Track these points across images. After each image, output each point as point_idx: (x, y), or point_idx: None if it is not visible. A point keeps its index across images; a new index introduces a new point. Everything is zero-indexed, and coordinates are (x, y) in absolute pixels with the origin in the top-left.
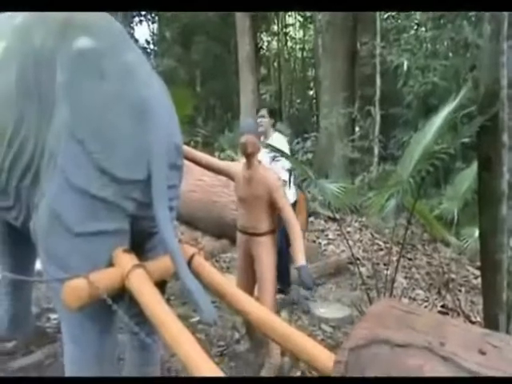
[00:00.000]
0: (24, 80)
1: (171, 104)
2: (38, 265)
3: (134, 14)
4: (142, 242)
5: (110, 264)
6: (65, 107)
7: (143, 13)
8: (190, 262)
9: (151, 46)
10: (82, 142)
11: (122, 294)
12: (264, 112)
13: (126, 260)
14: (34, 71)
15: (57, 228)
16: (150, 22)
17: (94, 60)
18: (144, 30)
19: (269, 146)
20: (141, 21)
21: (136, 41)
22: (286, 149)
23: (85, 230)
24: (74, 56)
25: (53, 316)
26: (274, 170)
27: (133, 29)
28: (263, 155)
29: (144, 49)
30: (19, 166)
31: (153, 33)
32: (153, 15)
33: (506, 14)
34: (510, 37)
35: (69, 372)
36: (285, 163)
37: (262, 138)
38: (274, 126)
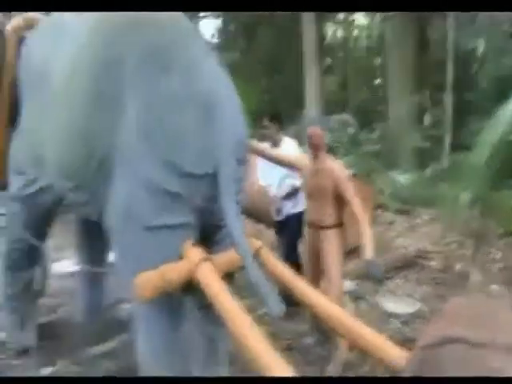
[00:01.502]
0: (96, 78)
1: (237, 97)
2: (110, 257)
3: None
4: (209, 236)
5: (180, 257)
6: (134, 104)
7: None
8: (256, 255)
9: (216, 40)
10: (150, 138)
11: (192, 287)
12: (266, 122)
13: (194, 253)
14: (105, 69)
15: (128, 222)
16: (214, 15)
17: (161, 55)
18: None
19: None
20: (206, 14)
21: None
22: (297, 153)
23: (155, 224)
24: (141, 53)
25: (126, 306)
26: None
27: (197, 22)
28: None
29: (209, 42)
30: (93, 162)
31: (217, 26)
32: None
33: None
34: None
35: (140, 361)
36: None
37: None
38: (280, 130)
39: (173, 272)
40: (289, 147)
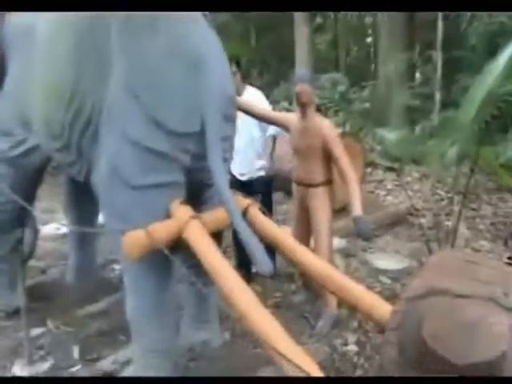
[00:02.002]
0: (82, 39)
1: (224, 57)
2: (101, 217)
3: None
4: (197, 194)
5: (168, 216)
6: (121, 63)
7: None
8: (244, 213)
9: None
10: (137, 96)
11: (180, 245)
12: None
13: (182, 211)
14: (90, 31)
15: (116, 181)
16: None
17: (145, 15)
18: None
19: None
20: None
21: None
22: (263, 103)
23: (142, 183)
24: (126, 14)
25: (117, 266)
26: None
27: None
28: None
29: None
30: (80, 122)
31: None
32: None
33: None
34: None
35: (130, 319)
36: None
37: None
38: (243, 79)
39: (161, 230)
40: (252, 97)
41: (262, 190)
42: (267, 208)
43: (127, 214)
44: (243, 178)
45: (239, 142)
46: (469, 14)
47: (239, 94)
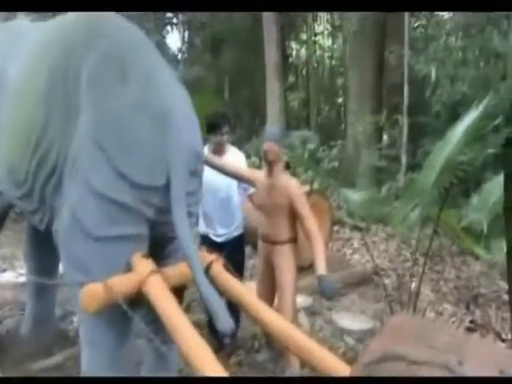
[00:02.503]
0: (52, 89)
1: (192, 110)
2: (61, 268)
3: (166, 21)
4: (161, 248)
5: (129, 269)
6: (88, 113)
7: (174, 21)
8: (208, 269)
9: (182, 54)
10: (103, 148)
11: (140, 300)
12: (225, 128)
13: (143, 265)
14: (61, 80)
15: (77, 232)
16: (180, 30)
17: (116, 67)
18: (175, 37)
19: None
20: (172, 29)
21: (167, 48)
22: (243, 165)
23: (104, 235)
24: (97, 64)
25: (76, 319)
26: None
27: (164, 37)
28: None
29: (175, 56)
30: (44, 169)
31: (183, 40)
32: (184, 23)
33: None
34: None
35: (85, 375)
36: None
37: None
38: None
39: (120, 284)
40: (233, 158)
41: (237, 249)
42: (240, 267)
43: (87, 266)
44: (219, 240)
45: (215, 201)
46: (432, 81)
47: (223, 153)
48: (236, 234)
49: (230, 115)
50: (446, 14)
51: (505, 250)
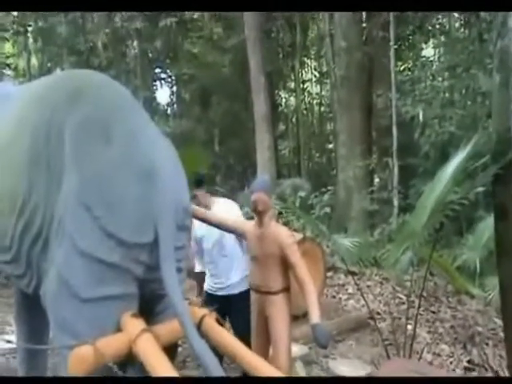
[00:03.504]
0: (35, 150)
1: (179, 165)
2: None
3: (154, 77)
4: (151, 305)
5: (119, 329)
6: (72, 174)
7: (163, 76)
8: (200, 324)
9: (171, 108)
10: (88, 208)
11: (131, 360)
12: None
13: (133, 325)
14: (44, 141)
15: (64, 294)
16: (169, 85)
17: (99, 127)
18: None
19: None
20: (161, 84)
21: (157, 103)
22: (234, 213)
23: (92, 296)
24: (80, 124)
25: None
26: None
27: (153, 92)
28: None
29: (164, 111)
30: (30, 233)
31: (172, 95)
32: (172, 77)
33: None
34: None
35: None
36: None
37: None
38: (212, 193)
39: (110, 346)
40: (222, 207)
41: (240, 306)
42: (245, 326)
43: (75, 328)
44: (220, 293)
45: (218, 253)
46: (420, 122)
47: (207, 206)
48: (241, 289)
49: (207, 176)
50: (431, 56)
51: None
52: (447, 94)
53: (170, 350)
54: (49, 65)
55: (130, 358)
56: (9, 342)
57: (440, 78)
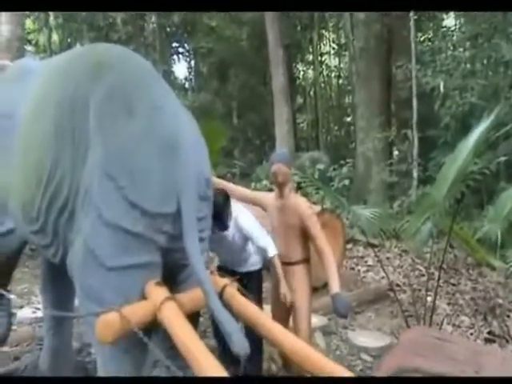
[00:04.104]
0: (60, 123)
1: (200, 136)
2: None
3: (172, 51)
4: (174, 274)
5: (143, 297)
6: (97, 146)
7: (181, 50)
8: (221, 293)
9: (189, 82)
10: (113, 179)
11: (156, 327)
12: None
13: (157, 293)
14: (69, 115)
15: (90, 263)
16: (187, 59)
17: (122, 99)
18: (182, 66)
19: None
20: (179, 58)
21: (175, 77)
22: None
23: (117, 264)
24: (104, 97)
25: (93, 351)
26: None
27: (171, 66)
28: None
29: (182, 85)
30: (56, 205)
31: (190, 68)
32: (189, 51)
33: None
34: None
35: None
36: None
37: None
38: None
39: (135, 313)
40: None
41: (254, 282)
42: (259, 299)
43: (101, 296)
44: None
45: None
46: (441, 93)
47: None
48: (252, 268)
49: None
50: (452, 26)
51: None
52: (468, 65)
53: (193, 319)
54: (69, 40)
55: (154, 325)
56: (35, 311)
57: (461, 49)
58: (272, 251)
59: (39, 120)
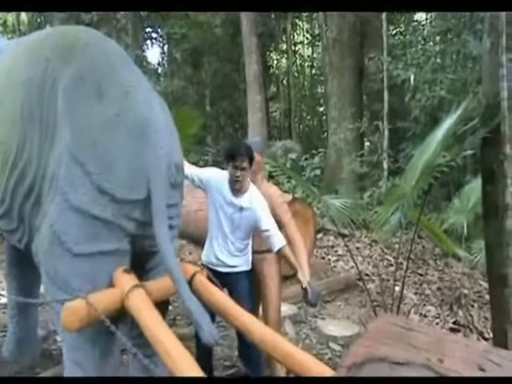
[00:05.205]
0: (28, 104)
1: (171, 123)
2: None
3: (145, 36)
4: (143, 262)
5: (111, 284)
6: (66, 129)
7: (154, 35)
8: (191, 281)
9: (162, 68)
10: (82, 164)
11: (123, 315)
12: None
13: (125, 280)
14: (37, 96)
15: (57, 249)
16: (160, 44)
17: (92, 83)
18: (154, 51)
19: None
20: (152, 43)
21: (147, 62)
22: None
23: (84, 251)
24: (73, 80)
25: (59, 338)
26: None
27: (143, 50)
28: None
29: (155, 70)
30: (22, 188)
31: (163, 54)
32: (163, 36)
33: (504, 26)
34: (509, 49)
35: None
36: None
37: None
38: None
39: (102, 301)
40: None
41: (242, 284)
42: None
43: (68, 283)
44: (221, 269)
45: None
46: (411, 86)
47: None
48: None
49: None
50: (423, 20)
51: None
52: (438, 59)
53: (161, 307)
54: (38, 21)
55: (121, 313)
56: (1, 295)
57: (431, 43)
58: (281, 241)
59: (5, 99)
